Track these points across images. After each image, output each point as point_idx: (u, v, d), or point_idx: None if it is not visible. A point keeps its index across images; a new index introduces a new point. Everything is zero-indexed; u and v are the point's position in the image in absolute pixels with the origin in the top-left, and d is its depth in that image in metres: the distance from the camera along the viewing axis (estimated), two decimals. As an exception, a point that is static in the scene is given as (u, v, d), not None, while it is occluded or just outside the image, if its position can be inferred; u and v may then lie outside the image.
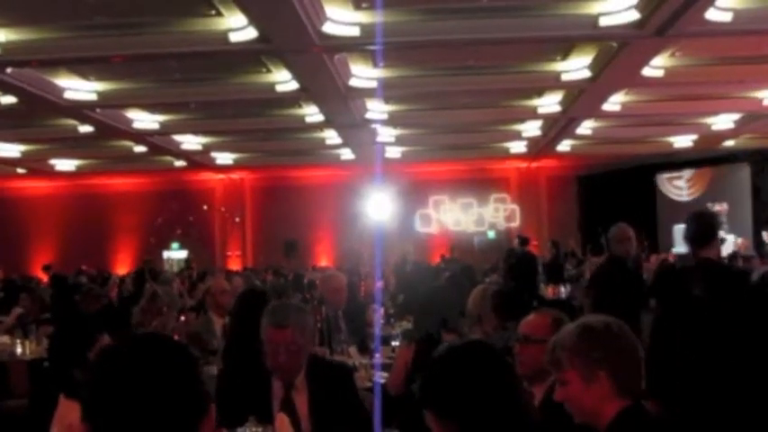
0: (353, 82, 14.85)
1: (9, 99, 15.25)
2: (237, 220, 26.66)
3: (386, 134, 20.39)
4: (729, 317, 4.45)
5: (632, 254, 8.10)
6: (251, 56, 13.58)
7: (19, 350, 8.95)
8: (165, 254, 26.94)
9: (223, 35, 12.03)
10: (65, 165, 24.16)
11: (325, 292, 7.64)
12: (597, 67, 14.12)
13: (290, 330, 4.33)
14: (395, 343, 7.67)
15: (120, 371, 1.82)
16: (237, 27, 11.85)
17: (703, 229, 6.29)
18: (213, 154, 23.30)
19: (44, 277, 20.97)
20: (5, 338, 9.33)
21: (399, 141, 21.50)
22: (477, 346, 2.87)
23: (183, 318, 6.38)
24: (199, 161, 23.79)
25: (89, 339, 4.57)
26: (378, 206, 21.89)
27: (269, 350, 4.34)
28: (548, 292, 14.99)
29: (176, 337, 5.68)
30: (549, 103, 17.32)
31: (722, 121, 19.73)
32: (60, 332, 5.14)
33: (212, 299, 7.38)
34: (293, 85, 15.08)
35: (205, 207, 26.45)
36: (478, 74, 14.95)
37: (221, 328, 7.03)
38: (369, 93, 15.67)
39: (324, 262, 24.50)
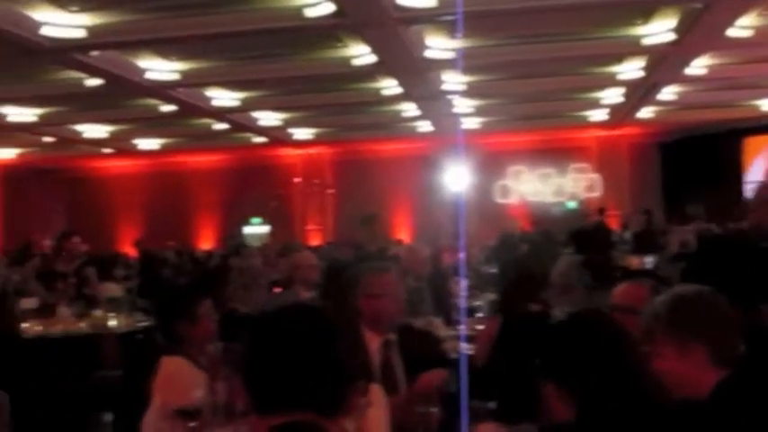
0: (430, 53, 14.80)
1: (95, 81, 15.60)
2: (331, 191, 26.65)
3: (464, 105, 20.32)
4: None
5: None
6: (327, 30, 13.62)
7: (111, 323, 9.17)
8: (246, 229, 27.28)
9: (298, 11, 12.09)
10: (148, 144, 24.61)
11: (409, 264, 7.67)
12: (681, 29, 13.85)
13: (393, 273, 4.50)
14: (479, 314, 7.67)
15: (281, 336, 1.88)
16: (313, 2, 11.89)
17: None
18: (291, 130, 23.49)
19: (132, 252, 21.42)
20: (99, 312, 9.56)
21: (477, 112, 21.40)
22: (594, 316, 2.87)
23: (275, 290, 6.47)
24: (278, 137, 24.00)
25: (194, 298, 4.73)
26: (456, 177, 21.81)
27: (378, 300, 4.43)
28: (632, 262, 14.79)
29: None
30: (631, 69, 17.03)
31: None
32: (164, 293, 5.29)
33: (299, 273, 7.46)
34: (370, 59, 15.08)
35: (296, 180, 26.76)
36: (557, 41, 14.79)
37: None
38: (446, 64, 15.61)
39: (402, 234, 24.53)
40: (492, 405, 3.57)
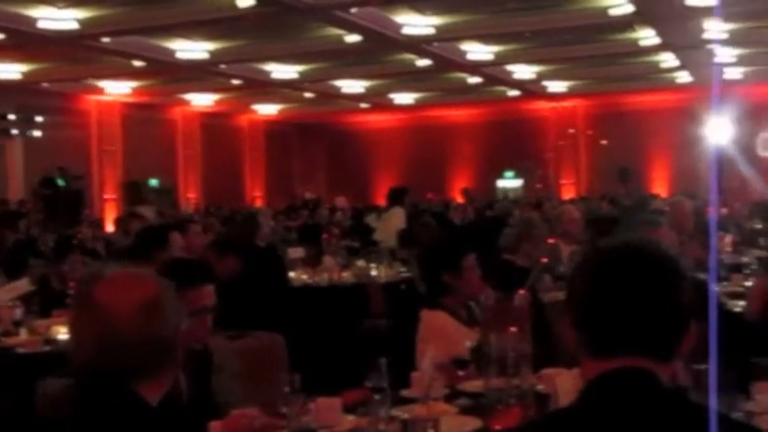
0: (690, 1, 14.24)
1: (354, 38, 16.06)
2: (604, 142, 26.20)
3: (726, 54, 19.47)
4: None
5: None
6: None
7: (374, 273, 9.47)
8: (499, 183, 27.42)
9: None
10: (403, 98, 25.12)
11: (674, 218, 7.48)
12: None
13: (665, 229, 4.44)
14: (746, 271, 7.41)
15: (627, 274, 1.88)
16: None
17: None
18: (545, 83, 23.33)
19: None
20: (361, 262, 9.90)
21: (740, 61, 20.48)
22: None
23: (551, 241, 6.51)
24: (531, 90, 23.92)
25: (459, 251, 4.82)
26: (717, 130, 20.99)
27: None
28: None
29: (545, 261, 5.85)
30: None
31: None
32: (429, 249, 5.41)
33: (561, 226, 7.47)
34: (627, 8, 14.72)
35: (571, 131, 26.64)
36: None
37: (568, 255, 7.16)
38: (707, 11, 14.98)
39: (659, 189, 23.90)
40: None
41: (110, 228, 18.30)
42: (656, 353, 1.84)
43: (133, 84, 21.39)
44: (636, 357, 1.83)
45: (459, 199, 24.40)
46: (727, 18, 16.13)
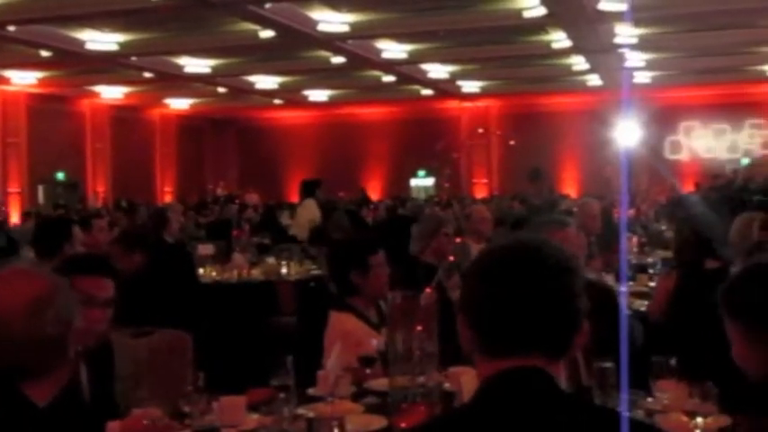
0: (602, 6, 14.47)
1: (267, 33, 15.95)
2: (512, 143, 26.52)
3: (635, 59, 19.83)
4: None
5: None
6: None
7: (284, 270, 9.41)
8: (412, 181, 27.50)
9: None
10: (318, 95, 25.05)
11: (582, 219, 7.57)
12: None
13: (572, 228, 4.49)
14: (651, 271, 7.55)
15: (519, 274, 1.87)
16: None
17: None
18: (459, 82, 23.48)
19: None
20: (271, 259, 9.83)
21: (649, 66, 20.88)
22: None
23: (458, 240, 6.52)
24: (445, 90, 24.06)
25: (367, 249, 4.78)
26: (625, 133, 21.36)
27: None
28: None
29: (452, 259, 5.87)
30: (815, 21, 16.23)
31: None
32: (338, 243, 5.38)
33: (471, 225, 7.52)
34: (540, 11, 14.88)
35: (480, 130, 26.85)
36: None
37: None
38: (618, 16, 15.23)
39: (569, 189, 24.25)
40: (673, 361, 3.51)
41: (15, 221, 17.91)
42: (549, 351, 1.85)
43: (40, 74, 20.91)
44: (529, 356, 1.84)
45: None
46: (638, 23, 16.41)
